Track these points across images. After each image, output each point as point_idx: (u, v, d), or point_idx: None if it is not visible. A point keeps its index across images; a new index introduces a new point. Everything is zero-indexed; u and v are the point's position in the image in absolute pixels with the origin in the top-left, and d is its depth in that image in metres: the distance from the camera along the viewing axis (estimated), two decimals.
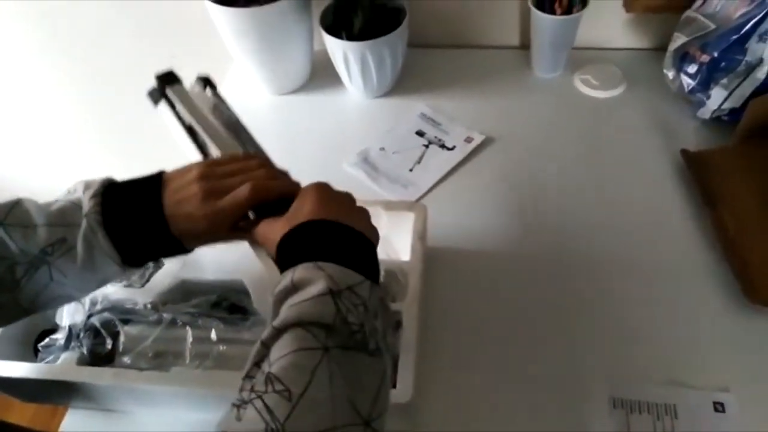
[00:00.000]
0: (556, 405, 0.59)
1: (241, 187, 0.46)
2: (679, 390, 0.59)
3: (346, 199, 0.48)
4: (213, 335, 0.55)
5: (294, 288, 0.39)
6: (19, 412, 1.51)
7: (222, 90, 0.98)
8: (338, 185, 0.82)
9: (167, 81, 0.63)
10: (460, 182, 0.81)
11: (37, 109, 1.24)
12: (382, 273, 0.55)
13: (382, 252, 0.58)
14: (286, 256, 0.42)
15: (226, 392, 0.51)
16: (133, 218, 0.44)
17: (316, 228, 0.42)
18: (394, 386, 0.50)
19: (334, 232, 0.42)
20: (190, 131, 0.57)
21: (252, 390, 0.34)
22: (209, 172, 0.46)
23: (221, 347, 0.54)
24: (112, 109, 1.21)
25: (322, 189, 0.47)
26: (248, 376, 0.36)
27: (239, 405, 0.35)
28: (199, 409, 0.59)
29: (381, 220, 0.62)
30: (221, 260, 0.61)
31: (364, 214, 0.47)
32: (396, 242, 0.60)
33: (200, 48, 1.03)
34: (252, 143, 0.57)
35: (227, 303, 0.59)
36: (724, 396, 0.58)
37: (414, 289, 0.57)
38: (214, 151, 0.54)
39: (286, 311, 0.37)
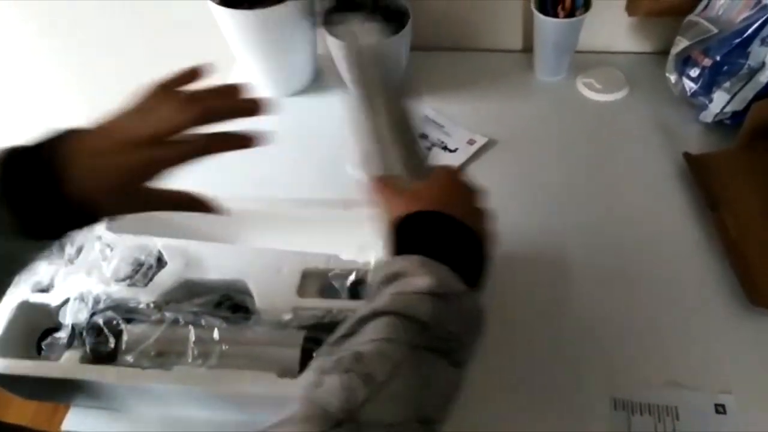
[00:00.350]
0: (557, 406, 0.59)
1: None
2: (681, 392, 0.59)
3: (472, 195, 0.48)
4: (215, 335, 0.55)
5: (402, 276, 0.40)
6: (19, 410, 1.51)
7: None
8: (342, 186, 0.82)
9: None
10: None
11: (34, 108, 1.24)
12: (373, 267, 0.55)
13: (384, 253, 0.58)
14: (401, 239, 0.43)
15: (228, 391, 0.52)
16: (24, 177, 0.39)
17: (437, 221, 0.43)
18: None
19: (452, 231, 0.43)
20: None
21: (338, 362, 0.36)
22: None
23: (223, 347, 0.54)
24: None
25: (454, 178, 0.48)
26: (336, 344, 0.37)
27: (322, 372, 0.35)
28: (201, 408, 0.59)
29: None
30: (224, 260, 0.62)
31: (483, 215, 0.47)
32: None
33: (204, 49, 1.03)
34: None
35: (230, 303, 0.59)
36: (725, 398, 0.58)
37: None
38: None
39: (388, 297, 0.39)
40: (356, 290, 0.58)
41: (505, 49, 0.99)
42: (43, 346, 0.58)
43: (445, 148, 0.85)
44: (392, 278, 0.40)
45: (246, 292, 0.59)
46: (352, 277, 0.59)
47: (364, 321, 0.38)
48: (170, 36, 1.06)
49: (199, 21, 0.94)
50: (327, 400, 0.34)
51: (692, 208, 0.74)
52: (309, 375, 0.36)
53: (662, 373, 0.60)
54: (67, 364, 0.55)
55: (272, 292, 0.58)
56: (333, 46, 0.87)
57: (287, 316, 0.57)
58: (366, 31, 0.56)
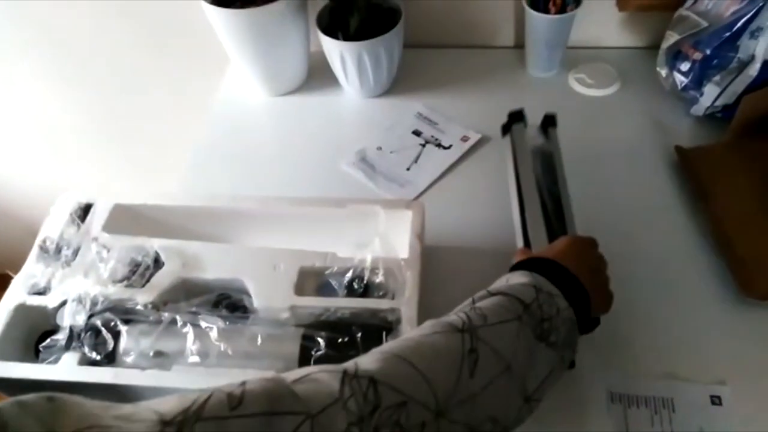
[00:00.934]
0: (553, 400, 0.59)
1: None
2: (677, 384, 0.59)
3: (595, 262, 0.55)
4: (214, 334, 0.55)
5: (506, 278, 0.49)
6: None
7: (222, 92, 0.99)
8: (336, 185, 0.83)
9: (515, 118, 0.75)
10: (457, 181, 0.81)
11: (31, 110, 1.24)
12: (381, 270, 0.56)
13: (381, 250, 0.59)
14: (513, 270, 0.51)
15: None
16: None
17: (550, 266, 0.50)
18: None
19: (562, 275, 0.49)
20: (515, 164, 0.70)
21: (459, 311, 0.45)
22: None
23: (222, 346, 0.54)
24: (108, 111, 1.22)
25: (579, 242, 0.55)
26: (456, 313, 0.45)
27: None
28: None
29: (379, 219, 0.62)
30: (221, 260, 0.62)
31: (600, 279, 0.54)
32: (394, 240, 0.60)
33: (198, 49, 1.03)
34: (558, 178, 0.70)
35: (228, 302, 0.59)
36: (720, 389, 0.59)
37: (411, 286, 0.57)
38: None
39: (496, 284, 0.48)
40: (353, 288, 0.59)
41: (497, 46, 0.99)
42: (41, 349, 0.57)
43: (439, 145, 0.85)
44: (500, 282, 0.49)
45: (243, 291, 0.59)
46: (349, 275, 0.59)
47: (478, 300, 0.47)
48: (164, 36, 1.06)
49: (192, 21, 0.94)
50: (452, 320, 0.44)
51: (684, 200, 0.75)
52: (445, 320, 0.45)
53: (657, 365, 0.61)
54: (65, 366, 0.54)
55: (270, 290, 0.58)
56: (326, 45, 0.87)
57: (285, 315, 0.57)
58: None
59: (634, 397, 0.59)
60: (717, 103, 0.79)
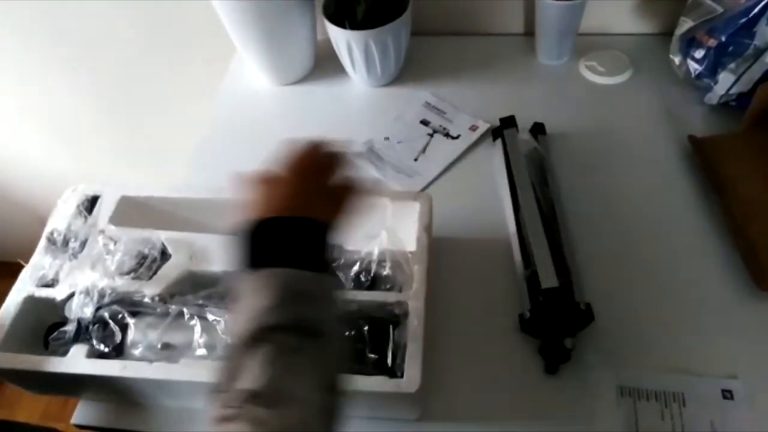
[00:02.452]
0: (563, 393, 0.59)
1: None
2: (687, 378, 0.59)
3: (319, 180, 0.45)
4: (221, 327, 0.55)
5: (240, 297, 0.40)
6: (30, 404, 1.53)
7: (227, 82, 0.99)
8: None
9: (506, 124, 0.78)
10: (466, 171, 0.80)
11: (38, 101, 1.24)
12: (388, 263, 0.56)
13: (388, 242, 0.58)
14: (242, 252, 0.41)
15: None
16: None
17: (276, 225, 0.42)
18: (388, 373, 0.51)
19: (290, 228, 0.42)
20: (508, 166, 0.74)
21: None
22: None
23: (229, 339, 0.54)
24: (115, 101, 1.21)
25: (294, 175, 0.45)
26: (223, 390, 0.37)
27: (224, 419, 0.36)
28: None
29: (386, 211, 0.62)
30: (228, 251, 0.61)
31: (334, 194, 0.45)
32: (401, 232, 0.60)
33: (204, 39, 1.02)
34: (548, 182, 0.73)
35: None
36: (732, 383, 0.58)
37: (419, 279, 0.56)
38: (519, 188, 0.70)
39: (242, 325, 0.38)
40: (360, 280, 0.58)
41: (506, 33, 0.97)
42: (50, 341, 0.58)
43: (447, 134, 0.84)
44: (235, 301, 0.40)
45: None
46: (356, 267, 0.58)
47: (237, 356, 0.38)
48: (169, 25, 1.05)
49: (198, 10, 0.93)
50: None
51: (697, 191, 0.74)
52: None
53: (668, 359, 0.60)
54: (73, 359, 0.55)
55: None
56: (333, 33, 0.86)
57: None
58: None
59: (644, 391, 0.58)
60: (732, 91, 0.77)
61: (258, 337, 0.38)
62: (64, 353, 0.55)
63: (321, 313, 0.40)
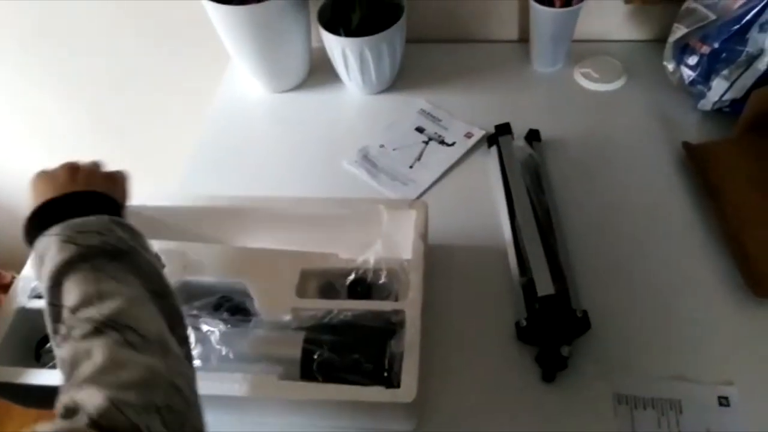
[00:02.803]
0: (560, 402, 0.59)
1: None
2: (684, 385, 0.59)
3: (65, 174, 0.51)
4: (215, 338, 0.55)
5: (41, 259, 0.44)
6: (21, 418, 1.51)
7: (222, 90, 0.99)
8: (338, 183, 0.82)
9: (502, 131, 0.79)
10: (461, 178, 0.80)
11: (29, 110, 1.23)
12: (384, 272, 0.56)
13: (384, 250, 0.58)
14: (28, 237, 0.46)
15: (229, 394, 0.52)
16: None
17: (41, 211, 0.47)
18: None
19: (74, 199, 0.48)
20: (503, 173, 0.75)
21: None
22: None
23: (223, 350, 0.54)
24: (107, 109, 1.21)
25: (39, 180, 0.52)
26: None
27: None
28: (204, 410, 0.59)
29: (382, 219, 0.62)
30: (222, 262, 0.61)
31: (75, 180, 0.51)
32: (397, 240, 0.60)
33: (199, 47, 1.02)
34: (544, 188, 0.74)
35: (229, 304, 0.58)
36: (728, 390, 0.58)
37: (416, 287, 0.56)
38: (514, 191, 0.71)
39: (46, 273, 0.43)
40: (356, 289, 0.58)
41: (501, 40, 0.98)
42: (41, 353, 0.57)
43: (442, 142, 0.84)
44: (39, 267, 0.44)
45: (245, 293, 0.59)
46: (351, 276, 0.58)
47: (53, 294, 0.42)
48: (165, 35, 1.05)
49: (192, 17, 0.93)
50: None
51: (691, 197, 0.74)
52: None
53: (664, 366, 0.60)
54: None
55: (271, 292, 0.58)
56: (328, 41, 0.86)
57: (286, 317, 0.56)
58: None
59: (641, 399, 0.58)
60: (725, 97, 0.77)
61: (62, 271, 0.41)
62: (56, 366, 0.55)
63: (113, 238, 0.44)
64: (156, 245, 0.61)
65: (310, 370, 0.52)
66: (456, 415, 0.59)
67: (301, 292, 0.59)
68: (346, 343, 0.53)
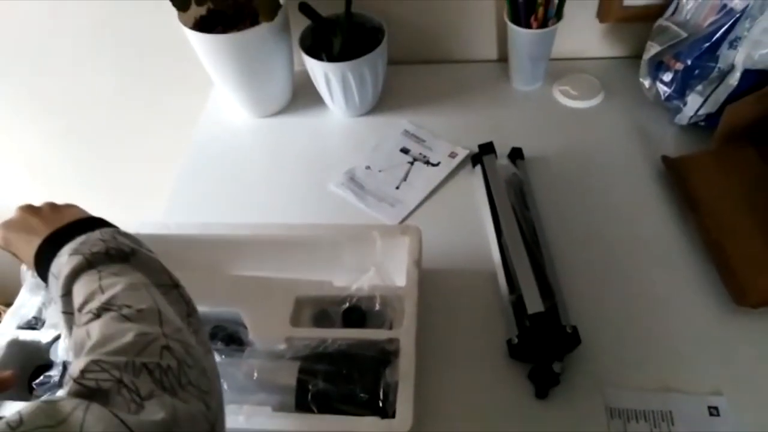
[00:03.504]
0: (554, 418, 0.60)
1: None
2: (675, 396, 0.59)
3: (48, 209, 0.54)
4: None
5: (56, 278, 0.45)
6: None
7: (206, 115, 0.99)
8: (325, 206, 0.83)
9: (485, 150, 0.80)
10: (447, 197, 0.81)
11: (9, 137, 1.22)
12: (378, 299, 0.56)
13: (378, 277, 0.58)
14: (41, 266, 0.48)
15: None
16: None
17: (50, 240, 0.49)
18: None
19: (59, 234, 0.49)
20: (489, 192, 0.76)
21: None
22: None
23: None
24: (90, 135, 1.20)
25: (20, 216, 0.54)
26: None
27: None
28: None
29: (376, 246, 0.62)
30: (216, 290, 0.61)
31: (61, 212, 0.53)
32: (390, 266, 0.60)
33: (181, 71, 1.02)
34: (529, 205, 0.75)
35: (223, 334, 0.58)
36: (717, 399, 0.59)
37: (410, 315, 0.56)
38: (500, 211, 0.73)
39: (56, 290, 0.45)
40: (350, 317, 0.58)
41: (481, 60, 1.00)
42: (35, 386, 0.56)
43: (427, 162, 0.85)
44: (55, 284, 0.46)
45: (239, 322, 0.59)
46: (346, 305, 0.58)
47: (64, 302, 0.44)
48: (146, 59, 1.05)
49: (174, 43, 0.93)
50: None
51: (672, 210, 0.76)
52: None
53: (654, 378, 0.61)
54: None
55: (265, 321, 0.58)
56: (310, 66, 0.87)
57: (281, 346, 0.56)
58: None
59: (633, 411, 0.59)
60: (700, 112, 0.80)
61: (71, 279, 0.43)
62: None
63: (114, 243, 0.46)
64: None
65: (305, 400, 0.52)
66: (449, 430, 0.59)
67: (296, 320, 0.59)
68: (340, 373, 0.53)
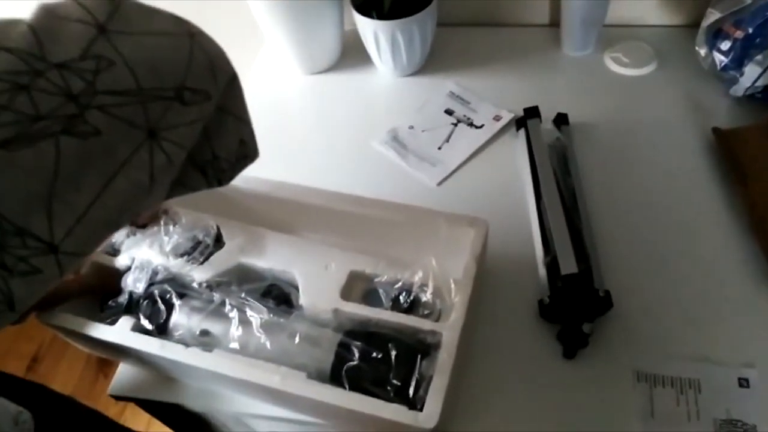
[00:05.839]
0: (580, 378, 0.61)
1: None
2: (704, 365, 0.60)
3: None
4: (256, 324, 0.55)
5: None
6: (64, 377, 1.59)
7: (255, 71, 1.01)
8: (367, 163, 0.84)
9: (530, 114, 0.80)
10: (489, 160, 0.82)
11: None
12: (430, 288, 0.57)
13: (434, 266, 0.57)
14: None
15: (259, 384, 0.52)
16: None
17: None
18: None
19: None
20: (531, 156, 0.76)
21: None
22: None
23: (262, 338, 0.54)
24: None
25: None
26: None
27: None
28: (235, 391, 0.62)
29: (439, 233, 0.60)
30: (277, 249, 0.62)
31: None
32: (449, 256, 0.57)
33: (232, 30, 1.04)
34: (571, 172, 0.75)
35: (278, 292, 0.59)
36: (749, 372, 0.59)
37: (459, 310, 0.54)
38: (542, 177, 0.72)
39: None
40: (399, 301, 0.57)
41: (531, 24, 0.98)
42: (105, 308, 0.60)
43: (471, 124, 0.86)
44: None
45: (293, 284, 0.59)
46: (397, 287, 0.57)
47: None
48: (198, 18, 1.07)
49: (227, 2, 0.95)
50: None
51: (720, 183, 0.74)
52: None
53: (685, 347, 0.61)
54: (118, 330, 0.57)
55: (317, 289, 0.58)
56: (360, 23, 0.88)
57: (327, 317, 0.56)
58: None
59: (660, 377, 0.59)
60: (758, 83, 0.77)
61: None
62: (114, 322, 0.57)
63: None
64: (220, 223, 0.63)
65: (339, 374, 0.52)
66: (475, 386, 0.61)
67: (346, 293, 0.58)
68: (378, 355, 0.52)
